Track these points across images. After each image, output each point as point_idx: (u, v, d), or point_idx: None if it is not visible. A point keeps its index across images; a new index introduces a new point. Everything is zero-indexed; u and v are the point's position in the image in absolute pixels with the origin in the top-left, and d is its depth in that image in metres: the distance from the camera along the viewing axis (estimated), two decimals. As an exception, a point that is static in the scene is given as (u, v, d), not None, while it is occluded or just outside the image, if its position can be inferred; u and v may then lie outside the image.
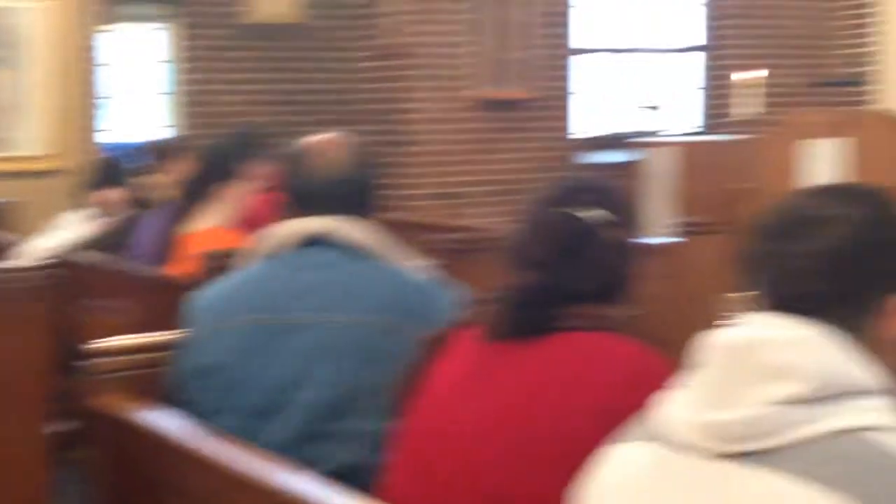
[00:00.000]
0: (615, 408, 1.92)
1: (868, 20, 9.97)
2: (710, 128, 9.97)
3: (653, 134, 9.25)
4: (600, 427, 1.88)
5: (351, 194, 2.67)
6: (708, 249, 4.86)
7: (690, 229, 5.31)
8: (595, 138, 9.65)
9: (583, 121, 9.67)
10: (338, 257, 2.62)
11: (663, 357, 2.04)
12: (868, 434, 1.49)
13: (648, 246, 5.97)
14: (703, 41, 10.12)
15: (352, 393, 2.48)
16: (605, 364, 2.05)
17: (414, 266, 2.70)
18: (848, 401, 1.51)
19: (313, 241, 2.64)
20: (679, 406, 1.60)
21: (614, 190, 2.26)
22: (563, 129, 9.47)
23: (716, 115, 9.91)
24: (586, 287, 2.13)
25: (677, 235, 5.37)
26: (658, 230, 6.95)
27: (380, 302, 2.53)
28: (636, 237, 2.25)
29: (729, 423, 1.52)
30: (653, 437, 1.62)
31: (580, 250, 2.14)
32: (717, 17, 10.06)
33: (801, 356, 1.52)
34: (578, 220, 2.16)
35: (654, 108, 9.42)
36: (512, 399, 2.05)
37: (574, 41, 9.54)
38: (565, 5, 9.44)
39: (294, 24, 8.84)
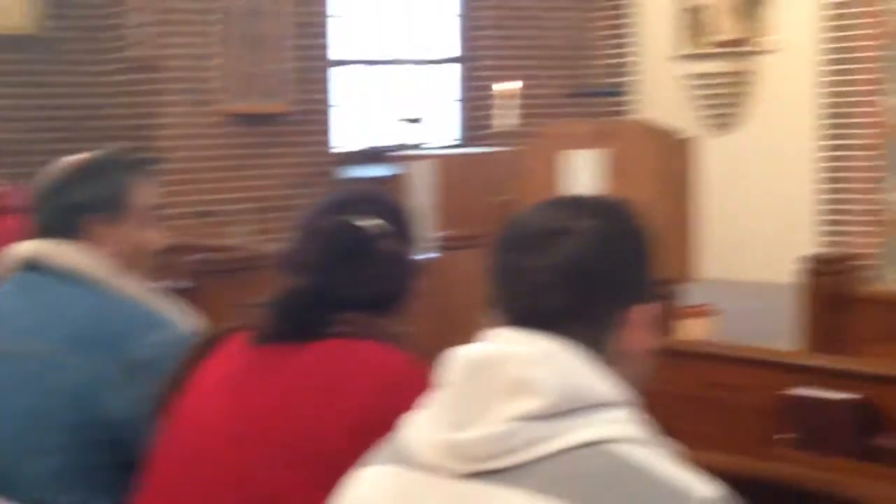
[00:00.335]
0: (375, 417, 1.94)
1: (626, 30, 10.32)
2: (469, 140, 10.13)
3: (414, 147, 9.33)
4: (359, 434, 1.91)
5: (69, 216, 2.61)
6: (468, 264, 4.92)
7: (450, 244, 5.38)
8: (356, 152, 9.68)
9: (344, 134, 9.69)
10: (46, 283, 2.57)
11: (430, 372, 2.07)
12: (611, 446, 1.52)
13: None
14: (459, 52, 10.28)
15: (34, 427, 2.43)
16: (367, 371, 2.07)
17: (140, 291, 2.64)
18: (590, 414, 1.54)
19: (33, 266, 2.59)
20: (423, 426, 1.60)
21: (394, 202, 2.30)
22: (324, 143, 9.47)
23: (475, 126, 10.08)
24: (358, 294, 2.15)
25: (437, 250, 5.42)
26: (418, 245, 6.98)
27: (73, 332, 2.48)
28: (414, 251, 2.28)
29: (471, 441, 1.53)
30: (399, 459, 1.62)
31: (355, 257, 2.16)
32: (473, 27, 10.23)
33: (541, 371, 1.54)
34: (355, 227, 2.18)
35: (415, 120, 9.51)
36: (273, 402, 2.07)
37: (332, 52, 9.55)
38: (322, 15, 9.44)
39: (29, 36, 8.55)
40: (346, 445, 1.91)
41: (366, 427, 1.92)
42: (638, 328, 1.66)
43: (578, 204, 1.72)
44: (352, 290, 2.14)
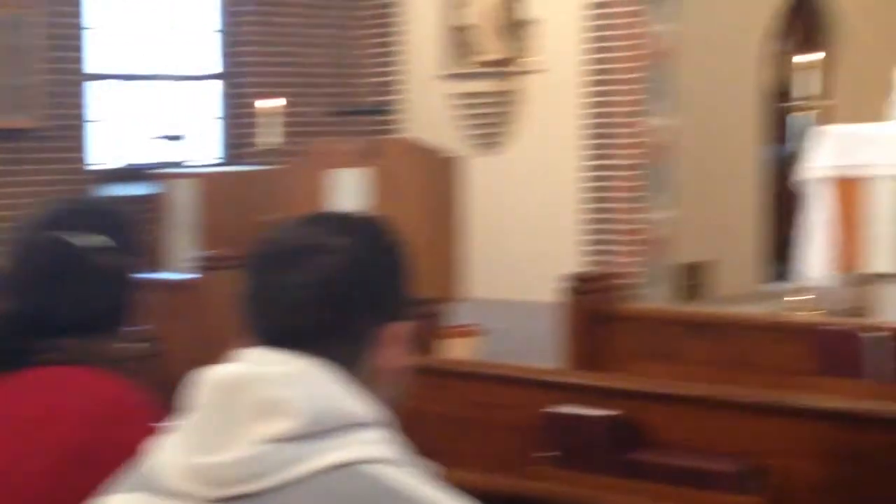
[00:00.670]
0: (88, 450, 1.88)
1: (392, 48, 10.40)
2: (232, 158, 10.04)
3: (175, 165, 9.20)
4: (70, 466, 1.85)
5: None
6: (228, 285, 4.86)
7: (211, 264, 5.31)
8: (114, 170, 9.48)
9: (101, 151, 9.47)
10: None
11: (152, 397, 2.00)
12: (364, 467, 1.51)
13: (166, 281, 5.95)
14: (220, 69, 10.19)
15: None
16: (76, 401, 1.96)
17: None
18: (344, 434, 1.53)
19: None
20: (171, 450, 1.57)
21: (118, 215, 2.18)
22: (80, 160, 9.24)
23: (237, 144, 9.99)
24: (72, 316, 2.03)
25: (197, 270, 5.35)
26: (179, 265, 6.92)
27: None
28: (140, 267, 2.19)
29: (219, 465, 1.50)
30: (144, 486, 1.58)
31: (65, 277, 2.04)
32: (234, 44, 10.14)
33: (291, 391, 1.52)
34: (66, 244, 2.06)
35: (175, 137, 9.38)
36: None
37: (88, 66, 9.33)
38: (77, 27, 9.21)
39: None
40: (55, 482, 1.84)
41: (78, 461, 1.85)
42: (393, 346, 1.67)
43: (332, 221, 1.72)
44: (65, 311, 2.03)
